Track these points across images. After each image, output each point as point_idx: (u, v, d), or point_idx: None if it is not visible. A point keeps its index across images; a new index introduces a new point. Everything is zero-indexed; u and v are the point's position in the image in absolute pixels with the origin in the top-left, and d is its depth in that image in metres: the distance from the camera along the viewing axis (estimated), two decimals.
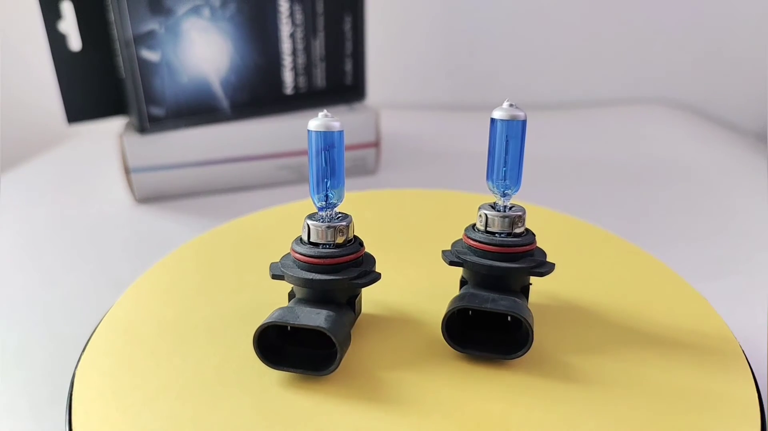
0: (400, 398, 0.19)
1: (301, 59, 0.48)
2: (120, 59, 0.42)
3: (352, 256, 0.20)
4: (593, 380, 0.20)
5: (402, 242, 0.30)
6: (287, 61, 0.48)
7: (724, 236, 0.41)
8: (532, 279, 0.22)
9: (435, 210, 0.34)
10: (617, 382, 0.20)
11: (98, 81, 0.44)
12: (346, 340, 0.20)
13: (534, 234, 0.22)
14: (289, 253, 0.21)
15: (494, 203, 0.22)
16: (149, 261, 0.28)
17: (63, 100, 0.43)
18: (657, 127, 0.66)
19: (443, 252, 0.22)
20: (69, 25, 0.42)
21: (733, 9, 0.70)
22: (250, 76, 0.47)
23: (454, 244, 0.22)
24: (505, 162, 0.21)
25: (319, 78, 0.50)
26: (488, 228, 0.21)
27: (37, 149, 0.69)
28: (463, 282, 0.22)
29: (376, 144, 0.51)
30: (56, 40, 0.42)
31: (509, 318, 0.21)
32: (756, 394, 0.19)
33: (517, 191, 0.21)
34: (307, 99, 0.50)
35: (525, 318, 0.19)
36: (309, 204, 0.22)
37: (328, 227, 0.20)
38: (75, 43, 0.43)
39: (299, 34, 0.47)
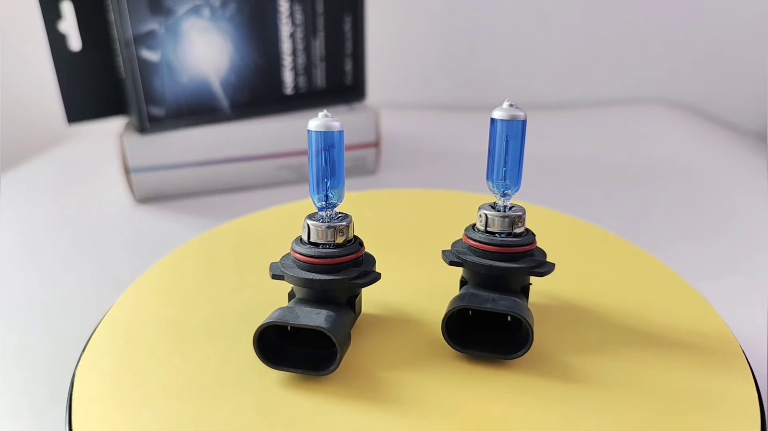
0: (400, 398, 0.19)
1: (301, 59, 0.48)
2: (120, 59, 0.42)
3: (352, 256, 0.20)
4: (593, 380, 0.20)
5: (402, 242, 0.30)
6: (287, 61, 0.48)
7: (724, 236, 0.41)
8: (532, 279, 0.22)
9: (435, 210, 0.34)
10: (617, 382, 0.20)
11: (98, 81, 0.44)
12: (346, 340, 0.20)
13: (534, 234, 0.22)
14: (289, 253, 0.21)
15: (494, 203, 0.22)
16: (149, 261, 0.28)
17: (63, 100, 0.43)
18: (657, 127, 0.66)
19: (443, 252, 0.22)
20: (69, 25, 0.42)
21: (733, 9, 0.70)
22: (250, 76, 0.47)
23: (454, 244, 0.22)
24: (505, 162, 0.21)
25: (319, 78, 0.50)
26: (488, 228, 0.21)
27: (37, 149, 0.69)
28: (463, 282, 0.22)
29: (376, 144, 0.51)
30: (56, 40, 0.42)
31: (509, 318, 0.21)
32: (756, 394, 0.19)
33: (517, 191, 0.22)
34: (307, 99, 0.50)
35: (525, 318, 0.19)
36: (309, 204, 0.22)
37: (328, 227, 0.20)
38: (75, 43, 0.43)
39: (299, 34, 0.47)
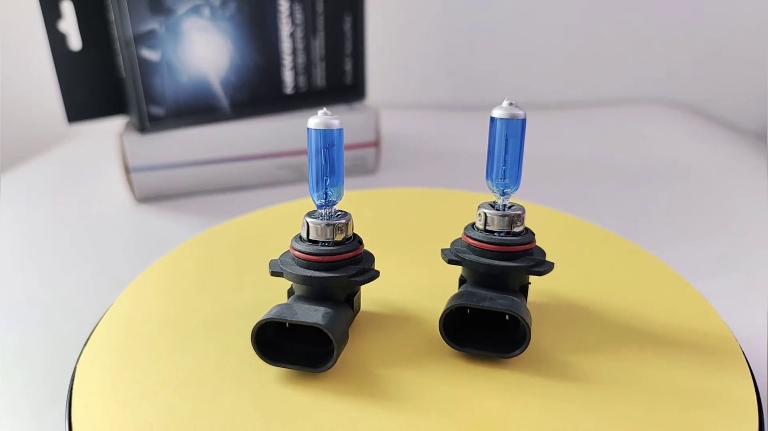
0: (397, 395, 0.19)
1: (301, 59, 0.48)
2: (120, 59, 0.43)
3: (350, 254, 0.21)
4: (591, 378, 0.20)
5: (402, 241, 0.30)
6: (287, 60, 0.48)
7: (724, 235, 0.41)
8: (532, 278, 0.22)
9: (435, 209, 0.34)
10: (615, 381, 0.20)
11: (98, 80, 0.44)
12: (344, 337, 0.20)
13: (533, 233, 0.22)
14: (288, 251, 0.21)
15: (494, 202, 0.22)
16: (149, 260, 0.28)
17: (63, 99, 0.43)
18: (657, 127, 0.66)
19: (442, 250, 0.22)
20: (69, 24, 0.42)
21: (733, 9, 0.70)
22: (250, 75, 0.47)
23: (453, 243, 0.22)
24: (505, 161, 0.21)
25: (319, 77, 0.50)
26: (487, 227, 0.21)
27: (38, 149, 0.69)
28: (462, 281, 0.22)
29: (376, 143, 0.51)
30: (56, 39, 0.42)
31: (507, 317, 0.21)
32: (755, 393, 0.19)
33: (516, 190, 0.22)
34: (307, 98, 0.50)
35: (522, 317, 0.19)
36: (309, 203, 0.22)
37: (327, 225, 0.20)
38: (75, 42, 0.43)
39: (299, 34, 0.47)
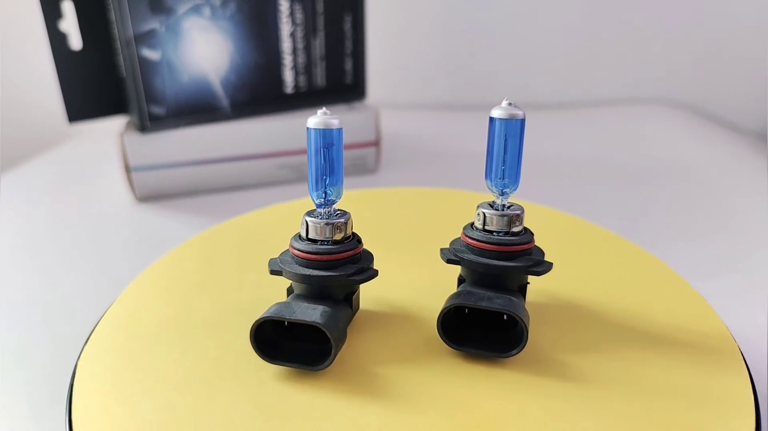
0: (395, 394, 0.19)
1: (301, 58, 0.48)
2: (121, 58, 0.43)
3: (349, 253, 0.21)
4: (589, 378, 0.20)
5: (402, 240, 0.30)
6: (287, 60, 0.48)
7: (724, 235, 0.41)
8: (531, 277, 0.22)
9: (435, 208, 0.34)
10: (614, 380, 0.20)
11: (99, 80, 0.44)
12: (342, 336, 0.20)
13: (532, 233, 0.22)
14: (288, 250, 0.21)
15: (493, 202, 0.22)
16: (150, 260, 0.29)
17: (64, 99, 0.43)
18: (657, 127, 0.66)
19: (441, 250, 0.22)
20: (70, 24, 0.42)
21: (733, 9, 0.70)
22: (251, 75, 0.47)
23: (452, 242, 0.22)
24: (504, 161, 0.21)
25: (320, 77, 0.50)
26: (486, 227, 0.21)
27: (38, 148, 0.70)
28: (461, 280, 0.22)
29: (376, 143, 0.51)
30: (57, 39, 0.42)
31: (505, 316, 0.21)
32: (752, 392, 0.19)
33: (515, 190, 0.22)
34: (307, 98, 0.50)
35: (519, 317, 0.19)
36: (309, 202, 0.22)
37: (327, 224, 0.21)
38: (76, 42, 0.43)
39: (299, 34, 0.47)
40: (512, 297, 0.20)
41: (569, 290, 0.25)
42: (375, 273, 0.21)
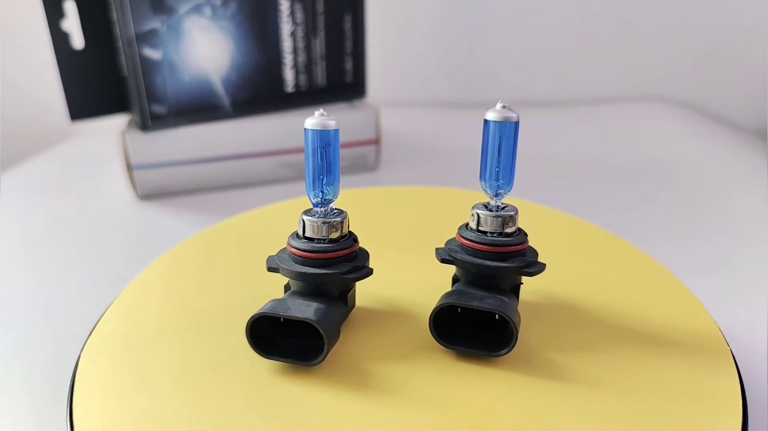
0: (387, 390, 0.19)
1: (301, 57, 0.49)
2: (122, 57, 0.43)
3: (345, 251, 0.21)
4: (579, 377, 0.20)
5: (401, 238, 0.30)
6: (288, 59, 0.48)
7: (724, 234, 0.41)
8: (527, 277, 0.22)
9: (434, 207, 0.34)
10: (603, 378, 0.20)
11: (101, 79, 0.45)
12: (335, 333, 0.20)
13: (526, 234, 0.22)
14: (285, 247, 0.22)
15: (487, 203, 0.22)
16: (151, 258, 0.29)
17: (66, 97, 0.44)
18: (657, 125, 0.66)
19: (436, 249, 0.22)
20: (72, 23, 0.42)
21: (733, 9, 0.70)
22: (251, 74, 0.47)
23: (447, 242, 0.23)
24: (498, 162, 0.21)
25: (320, 76, 0.50)
26: (480, 228, 0.21)
27: (40, 147, 0.70)
28: (455, 280, 0.23)
29: (376, 141, 0.51)
30: (59, 38, 0.42)
31: (497, 316, 0.21)
32: (740, 390, 0.20)
33: (509, 191, 0.22)
34: (307, 97, 0.50)
35: (509, 316, 0.20)
36: (308, 201, 0.22)
37: (323, 223, 0.21)
38: (78, 41, 0.43)
39: (300, 33, 0.48)
40: (504, 298, 0.20)
41: (563, 290, 0.25)
42: (369, 272, 0.21)
